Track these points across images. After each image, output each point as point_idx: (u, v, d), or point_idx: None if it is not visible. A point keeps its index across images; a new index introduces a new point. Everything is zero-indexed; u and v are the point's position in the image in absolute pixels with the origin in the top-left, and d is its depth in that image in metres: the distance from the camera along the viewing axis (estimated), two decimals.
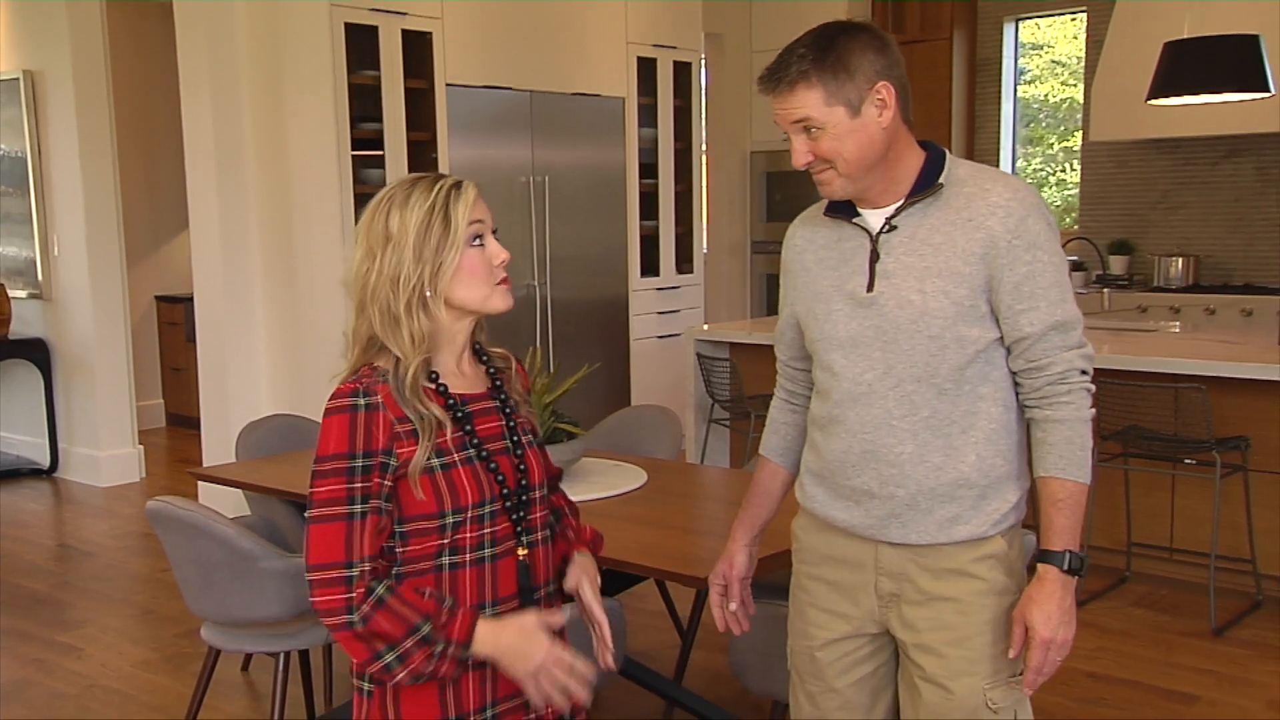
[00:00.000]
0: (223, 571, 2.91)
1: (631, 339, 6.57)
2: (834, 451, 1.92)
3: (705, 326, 6.18)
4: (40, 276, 6.78)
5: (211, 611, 3.02)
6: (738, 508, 2.16)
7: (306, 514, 1.63)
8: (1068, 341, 1.81)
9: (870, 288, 1.85)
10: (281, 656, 3.04)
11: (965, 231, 1.80)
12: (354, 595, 1.58)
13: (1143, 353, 4.39)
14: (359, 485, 1.61)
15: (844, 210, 1.89)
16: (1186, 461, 4.27)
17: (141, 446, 6.81)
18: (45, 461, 6.86)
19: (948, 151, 1.89)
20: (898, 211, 1.85)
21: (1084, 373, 1.82)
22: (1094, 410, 1.84)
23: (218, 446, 5.51)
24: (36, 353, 6.77)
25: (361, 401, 1.63)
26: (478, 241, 1.70)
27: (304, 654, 3.44)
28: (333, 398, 1.65)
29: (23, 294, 6.91)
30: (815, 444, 1.98)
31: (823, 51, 1.77)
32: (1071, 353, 1.81)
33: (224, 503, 4.07)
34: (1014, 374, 1.85)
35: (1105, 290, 6.30)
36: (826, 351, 1.91)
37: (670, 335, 6.69)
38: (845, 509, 1.92)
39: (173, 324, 8.09)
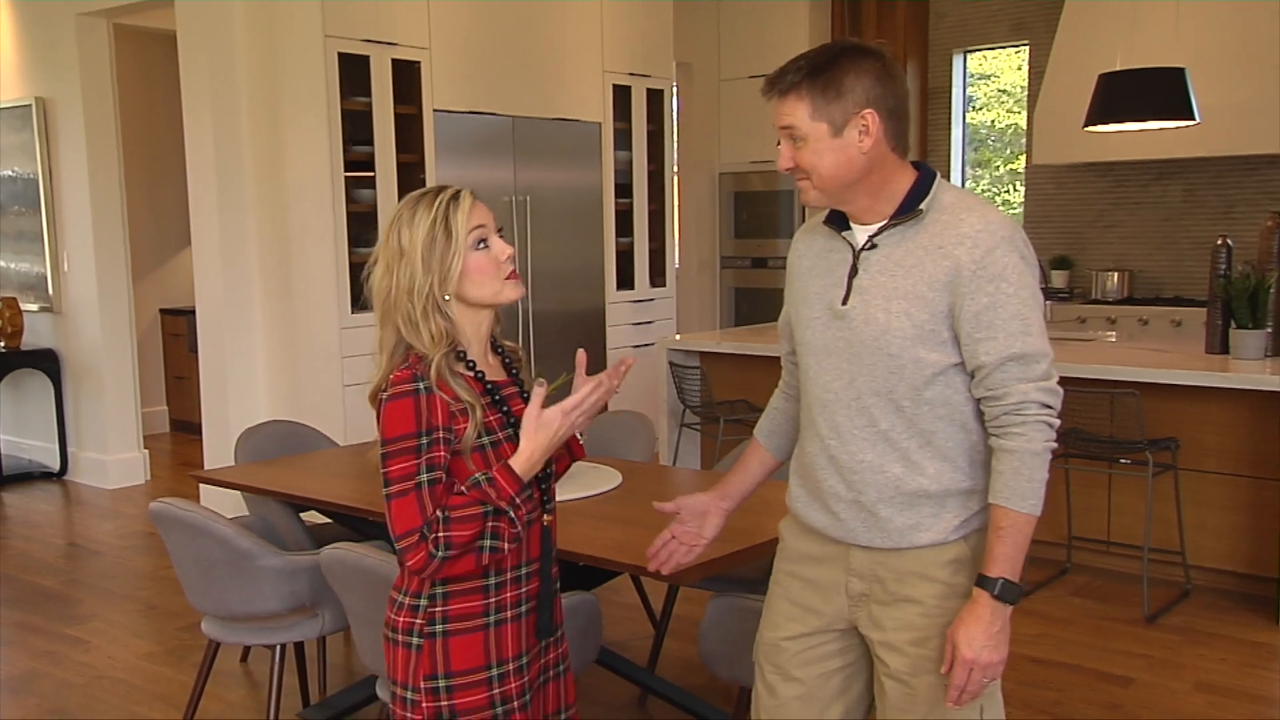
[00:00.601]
0: (222, 569, 2.89)
1: (608, 348, 6.56)
2: (808, 454, 1.91)
3: (677, 337, 6.19)
4: (51, 291, 6.72)
5: (211, 606, 3.00)
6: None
7: (385, 492, 1.71)
8: (1028, 374, 1.73)
9: (845, 301, 1.82)
10: (278, 648, 3.03)
11: (935, 258, 1.75)
12: (431, 539, 1.68)
13: (1082, 360, 4.44)
14: (425, 458, 1.70)
15: (838, 223, 1.87)
16: (1122, 461, 4.30)
17: (146, 451, 6.75)
18: (55, 465, 6.79)
19: (938, 176, 1.84)
20: (880, 231, 1.81)
21: (1046, 406, 1.74)
22: (1053, 444, 1.75)
23: (218, 450, 5.48)
24: (47, 362, 6.71)
25: (421, 385, 1.71)
26: (482, 244, 1.77)
27: (299, 646, 3.42)
28: (393, 385, 1.72)
29: (34, 307, 6.84)
30: (799, 445, 1.97)
31: (819, 69, 1.75)
32: (1030, 385, 1.73)
33: (224, 504, 4.04)
34: (977, 401, 1.79)
35: (1048, 303, 6.35)
36: (804, 356, 1.90)
37: (644, 345, 6.68)
38: (819, 511, 1.90)
39: (176, 335, 8.03)
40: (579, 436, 1.96)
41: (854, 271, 1.83)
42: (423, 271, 1.73)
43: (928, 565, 1.82)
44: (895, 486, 1.81)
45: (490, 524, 1.71)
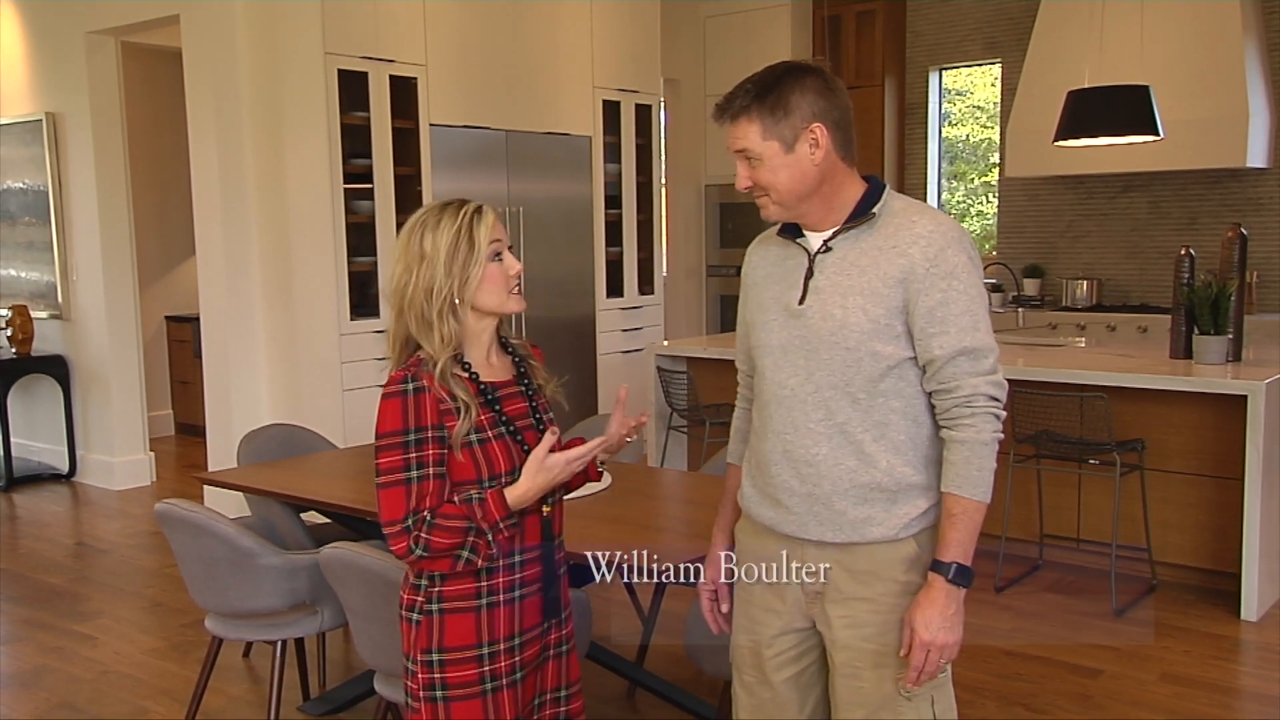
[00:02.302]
0: (225, 567, 2.88)
1: (598, 354, 6.56)
2: (762, 451, 1.91)
3: (665, 342, 6.18)
4: (60, 299, 6.69)
5: (214, 603, 2.99)
6: (695, 506, 2.15)
7: (375, 481, 1.78)
8: (978, 368, 1.76)
9: (802, 301, 1.84)
10: (279, 644, 3.01)
11: (889, 257, 1.78)
12: (413, 537, 1.76)
13: (1052, 365, 4.45)
14: (414, 455, 1.75)
15: (791, 232, 1.90)
16: (1090, 461, 4.31)
17: (152, 453, 6.72)
18: (64, 467, 6.76)
19: (887, 186, 1.88)
20: (834, 235, 1.84)
21: (993, 399, 1.77)
22: (1000, 434, 1.79)
23: (221, 453, 5.46)
24: (57, 368, 6.68)
25: (410, 386, 1.77)
26: (498, 257, 1.85)
27: (299, 641, 3.41)
28: (387, 384, 1.79)
29: (44, 314, 6.81)
30: (751, 445, 1.97)
31: (765, 90, 1.77)
32: (980, 379, 1.76)
33: (226, 504, 4.03)
34: (928, 394, 1.81)
35: (1020, 310, 6.37)
36: (761, 357, 1.91)
37: (633, 350, 6.69)
38: (771, 508, 1.90)
39: (181, 341, 8.00)
40: (598, 463, 2.01)
41: (810, 274, 1.85)
42: (444, 275, 1.78)
43: (878, 563, 1.82)
44: (850, 479, 1.81)
45: (471, 539, 1.78)
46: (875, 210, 1.82)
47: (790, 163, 1.78)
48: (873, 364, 1.79)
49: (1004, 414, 1.80)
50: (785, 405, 1.85)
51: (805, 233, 1.87)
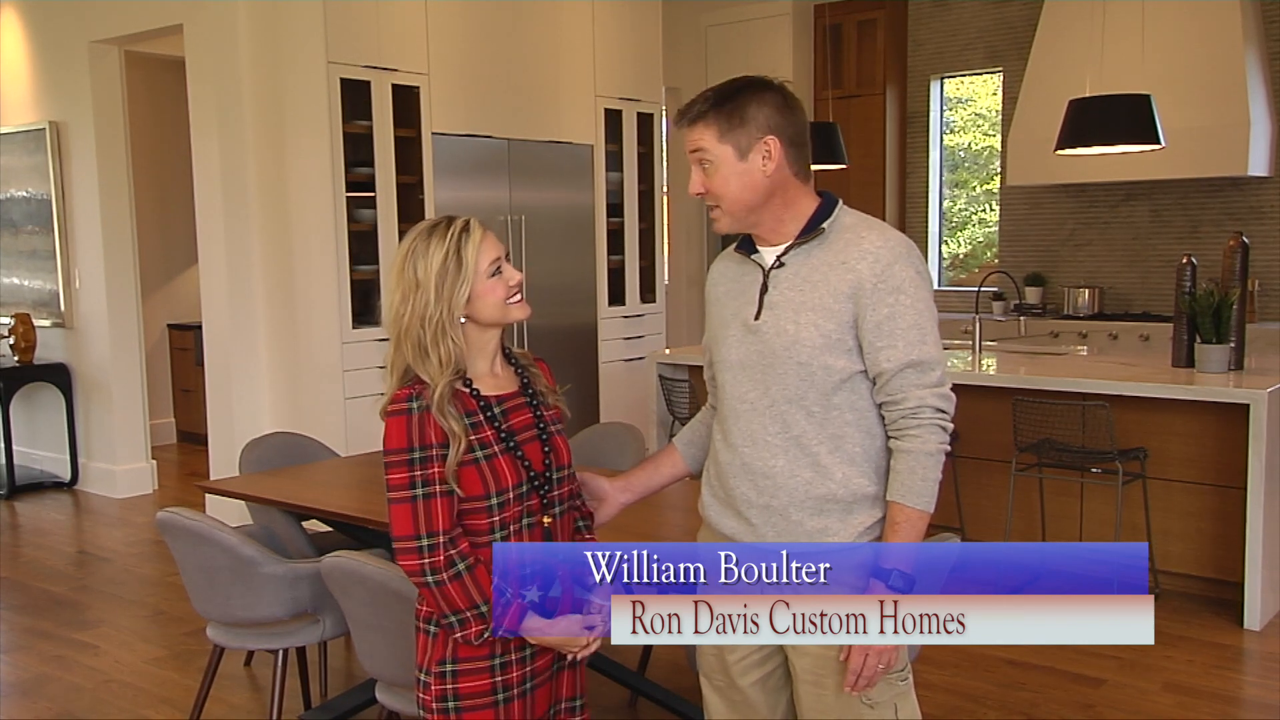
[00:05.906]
0: (226, 576, 2.88)
1: (600, 362, 6.57)
2: (722, 463, 1.94)
3: (666, 351, 6.19)
4: (62, 307, 6.70)
5: (216, 612, 2.99)
6: (695, 515, 2.16)
7: (386, 496, 1.79)
8: (924, 380, 1.80)
9: (758, 316, 1.88)
10: (280, 653, 3.01)
11: (839, 273, 1.82)
12: (428, 562, 1.76)
13: (1054, 374, 4.46)
14: (419, 473, 1.77)
15: (748, 247, 1.93)
16: (1093, 470, 4.31)
17: (154, 461, 6.73)
18: (66, 475, 6.77)
19: (840, 201, 1.91)
20: (787, 250, 1.87)
21: (939, 410, 1.81)
22: (947, 445, 1.82)
23: (223, 461, 5.47)
24: (59, 376, 6.69)
25: (415, 405, 1.78)
26: (496, 272, 1.85)
27: (301, 650, 3.41)
28: (391, 402, 1.80)
29: (47, 323, 6.82)
30: (713, 457, 2.00)
31: (725, 98, 1.82)
32: (926, 390, 1.80)
33: (228, 513, 4.04)
34: (879, 406, 1.85)
35: (1021, 318, 6.38)
36: (721, 372, 1.95)
37: (635, 359, 6.69)
38: (732, 518, 1.93)
39: (183, 349, 8.02)
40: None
41: (765, 289, 1.88)
42: (435, 300, 1.79)
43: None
44: (806, 491, 1.84)
45: (469, 614, 1.79)
46: (825, 226, 1.86)
47: (742, 171, 1.82)
48: (826, 378, 1.82)
49: (951, 425, 1.83)
50: (744, 419, 1.89)
51: (760, 248, 1.91)
